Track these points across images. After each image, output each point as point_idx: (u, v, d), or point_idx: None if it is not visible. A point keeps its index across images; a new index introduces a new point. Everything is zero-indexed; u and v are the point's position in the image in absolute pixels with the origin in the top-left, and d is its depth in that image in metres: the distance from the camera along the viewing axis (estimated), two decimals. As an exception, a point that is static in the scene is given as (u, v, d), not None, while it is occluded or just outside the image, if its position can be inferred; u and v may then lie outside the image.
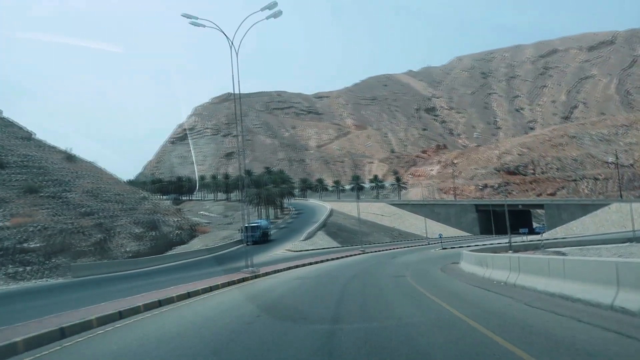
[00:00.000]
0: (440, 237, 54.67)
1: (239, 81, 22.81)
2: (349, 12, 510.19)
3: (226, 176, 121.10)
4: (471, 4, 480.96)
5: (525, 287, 13.66)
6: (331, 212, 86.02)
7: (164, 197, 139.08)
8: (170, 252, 48.89)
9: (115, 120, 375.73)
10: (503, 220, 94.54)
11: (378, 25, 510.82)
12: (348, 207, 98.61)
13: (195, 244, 56.13)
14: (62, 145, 75.88)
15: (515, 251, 35.55)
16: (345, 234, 69.32)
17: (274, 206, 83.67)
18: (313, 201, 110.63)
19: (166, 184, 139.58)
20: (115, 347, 8.10)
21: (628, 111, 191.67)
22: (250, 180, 74.57)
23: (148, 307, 12.37)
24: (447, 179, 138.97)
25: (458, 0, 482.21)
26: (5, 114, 66.69)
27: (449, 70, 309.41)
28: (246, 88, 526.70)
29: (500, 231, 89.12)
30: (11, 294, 23.76)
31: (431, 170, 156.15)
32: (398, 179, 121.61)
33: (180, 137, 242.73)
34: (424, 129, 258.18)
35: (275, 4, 22.75)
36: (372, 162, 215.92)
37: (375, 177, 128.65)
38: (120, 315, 11.03)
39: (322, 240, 57.68)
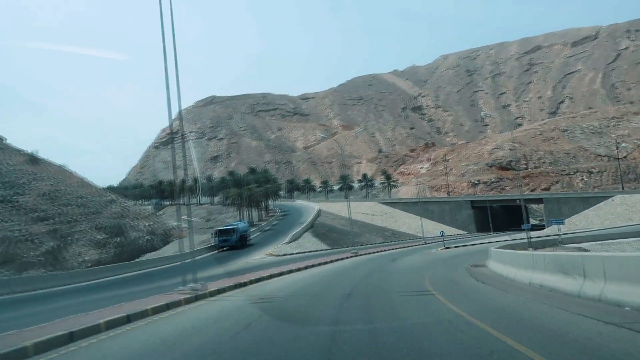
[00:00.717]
0: (443, 235, 48.97)
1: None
2: (334, 14, 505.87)
3: (209, 178, 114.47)
4: (454, 3, 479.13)
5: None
6: (319, 213, 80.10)
7: (146, 202, 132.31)
8: (138, 260, 42.46)
9: (117, 126, 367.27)
10: (500, 216, 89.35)
11: (363, 26, 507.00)
12: (337, 207, 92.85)
13: (168, 250, 49.80)
14: (63, 152, 69.14)
15: (535, 249, 29.89)
16: (334, 235, 63.41)
17: (257, 207, 77.52)
18: (300, 202, 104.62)
19: (147, 189, 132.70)
20: None
21: (615, 105, 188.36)
22: (232, 181, 68.28)
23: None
24: (438, 176, 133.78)
25: None
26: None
27: (434, 69, 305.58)
28: (231, 90, 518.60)
29: (498, 228, 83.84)
30: None
31: (421, 168, 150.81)
32: (388, 177, 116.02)
33: (164, 142, 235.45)
34: (412, 128, 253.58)
35: None
36: (360, 163, 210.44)
37: (365, 175, 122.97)
38: None
39: (310, 243, 51.69)
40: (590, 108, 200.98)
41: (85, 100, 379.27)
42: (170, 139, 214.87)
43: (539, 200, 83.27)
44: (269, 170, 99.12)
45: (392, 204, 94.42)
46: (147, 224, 55.79)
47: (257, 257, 36.25)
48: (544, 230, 73.94)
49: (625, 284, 8.72)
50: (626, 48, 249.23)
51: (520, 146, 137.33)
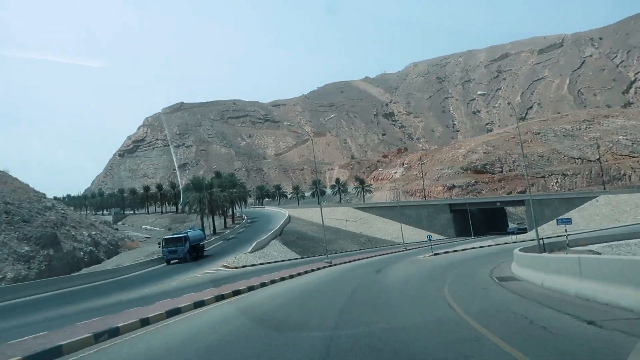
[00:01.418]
0: (430, 240, 42.98)
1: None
2: (307, 23, 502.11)
3: (173, 185, 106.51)
4: (424, 12, 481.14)
5: None
6: (289, 219, 73.51)
7: (106, 211, 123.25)
8: (66, 276, 34.99)
9: (82, 134, 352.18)
10: (478, 220, 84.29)
11: (333, 34, 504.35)
12: (308, 213, 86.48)
13: (112, 263, 42.39)
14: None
15: (551, 251, 24.10)
16: (305, 242, 56.90)
17: (222, 214, 70.42)
18: (270, 208, 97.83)
19: (107, 198, 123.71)
20: None
21: (582, 110, 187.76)
22: (192, 184, 61.08)
23: None
24: (412, 180, 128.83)
25: (410, 7, 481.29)
26: None
27: (405, 76, 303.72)
28: (200, 97, 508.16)
29: (478, 232, 78.74)
30: None
31: (395, 172, 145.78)
32: (362, 182, 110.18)
33: (129, 150, 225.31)
34: (384, 134, 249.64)
35: None
36: (332, 169, 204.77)
37: (337, 180, 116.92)
38: None
39: (277, 251, 45.11)
40: (558, 113, 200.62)
41: (48, 107, 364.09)
42: (135, 147, 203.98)
43: (519, 203, 78.53)
44: (236, 175, 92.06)
45: (367, 208, 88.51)
46: (90, 233, 48.16)
47: (209, 270, 29.47)
48: (527, 233, 68.99)
49: None
50: (591, 55, 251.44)
51: (494, 149, 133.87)
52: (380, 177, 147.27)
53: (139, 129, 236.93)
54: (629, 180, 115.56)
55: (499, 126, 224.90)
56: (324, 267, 28.82)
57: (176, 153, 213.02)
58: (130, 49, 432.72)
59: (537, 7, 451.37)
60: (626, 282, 8.05)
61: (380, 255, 43.46)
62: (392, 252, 47.35)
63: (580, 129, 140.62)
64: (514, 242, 51.44)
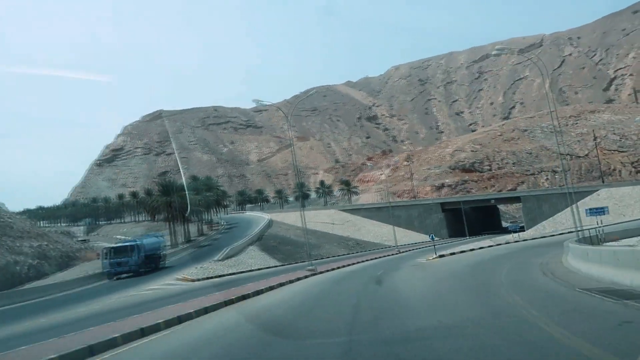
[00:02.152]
0: (433, 239, 37.15)
1: None
2: (284, 26, 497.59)
3: (149, 192, 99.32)
4: (403, 15, 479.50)
5: None
6: (270, 223, 67.38)
7: (80, 222, 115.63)
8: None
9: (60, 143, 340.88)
10: (472, 219, 78.97)
11: (314, 40, 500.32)
12: (292, 218, 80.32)
13: (62, 277, 35.79)
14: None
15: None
16: (288, 247, 50.76)
17: (197, 220, 64.03)
18: (251, 213, 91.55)
19: (80, 208, 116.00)
20: None
21: (568, 106, 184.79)
22: (160, 186, 54.58)
23: None
24: (399, 181, 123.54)
25: (389, 11, 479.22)
26: None
27: (387, 79, 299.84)
28: (180, 104, 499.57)
29: (472, 232, 73.40)
30: None
31: (381, 174, 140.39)
32: (347, 184, 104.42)
33: (108, 159, 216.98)
34: (367, 137, 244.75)
35: None
36: (316, 173, 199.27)
37: (322, 183, 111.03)
38: None
39: (254, 259, 39.04)
40: (541, 110, 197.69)
41: (21, 116, 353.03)
42: (114, 156, 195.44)
43: (515, 199, 73.31)
44: (217, 180, 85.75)
45: (354, 210, 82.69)
46: (41, 244, 41.42)
47: (158, 285, 23.35)
48: (528, 231, 63.77)
49: None
50: (570, 54, 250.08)
51: (481, 147, 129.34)
52: (366, 180, 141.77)
53: (117, 137, 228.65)
54: (620, 175, 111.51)
55: (483, 126, 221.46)
56: (306, 277, 22.84)
57: (154, 161, 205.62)
58: (108, 58, 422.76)
59: (515, 8, 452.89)
60: None
61: (372, 259, 37.60)
62: (385, 256, 41.52)
63: (567, 125, 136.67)
64: (515, 242, 45.95)
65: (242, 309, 12.70)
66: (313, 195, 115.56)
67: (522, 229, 62.95)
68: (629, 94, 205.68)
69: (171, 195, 50.63)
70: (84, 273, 32.74)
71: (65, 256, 42.54)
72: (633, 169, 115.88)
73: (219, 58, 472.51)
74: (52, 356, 7.50)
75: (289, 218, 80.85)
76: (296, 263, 40.32)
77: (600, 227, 29.12)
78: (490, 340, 6.78)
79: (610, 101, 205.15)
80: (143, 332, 9.66)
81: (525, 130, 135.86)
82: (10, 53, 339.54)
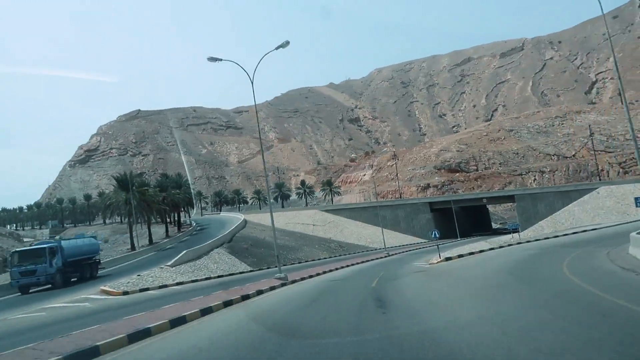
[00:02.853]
0: (436, 238, 31.15)
1: None
2: (266, 29, 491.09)
3: (101, 193, 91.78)
4: (385, 18, 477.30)
5: None
6: (245, 224, 60.91)
7: (43, 225, 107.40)
8: None
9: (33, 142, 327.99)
10: (461, 220, 73.53)
11: (296, 42, 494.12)
12: (269, 219, 73.91)
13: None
14: None
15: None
16: (261, 250, 44.37)
17: (162, 220, 57.22)
18: (227, 214, 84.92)
19: (44, 210, 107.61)
20: None
21: (554, 107, 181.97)
22: (116, 182, 47.79)
23: None
24: (383, 182, 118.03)
25: (372, 15, 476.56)
26: None
27: (370, 82, 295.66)
28: (158, 104, 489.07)
29: (463, 233, 67.89)
30: None
31: (364, 175, 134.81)
32: (330, 184, 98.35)
33: (81, 160, 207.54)
34: (350, 139, 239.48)
35: None
36: (298, 175, 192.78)
37: (303, 182, 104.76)
38: None
39: (219, 263, 32.68)
40: (526, 112, 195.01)
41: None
42: (87, 156, 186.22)
43: (509, 198, 67.96)
44: (182, 175, 78.97)
45: (336, 211, 76.55)
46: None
47: (67, 301, 16.88)
48: (524, 232, 58.31)
49: None
50: (551, 58, 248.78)
51: (467, 147, 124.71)
52: (348, 180, 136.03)
53: (92, 137, 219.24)
54: (607, 176, 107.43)
55: (465, 129, 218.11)
56: (272, 289, 16.61)
57: (130, 162, 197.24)
58: (86, 56, 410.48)
59: (496, 12, 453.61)
60: None
61: (358, 263, 31.51)
62: (373, 259, 35.46)
63: (553, 125, 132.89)
64: (518, 243, 40.03)
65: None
66: (294, 196, 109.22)
67: (497, 232, 57.56)
68: (611, 97, 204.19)
69: (129, 192, 43.83)
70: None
71: (3, 261, 35.63)
72: (621, 170, 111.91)
73: (199, 58, 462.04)
74: None
75: (267, 219, 74.41)
76: (268, 268, 34.01)
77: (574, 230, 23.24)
78: None
79: (592, 104, 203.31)
80: None
81: (511, 131, 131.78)
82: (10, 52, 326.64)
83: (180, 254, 29.22)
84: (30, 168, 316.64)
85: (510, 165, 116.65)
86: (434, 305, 9.97)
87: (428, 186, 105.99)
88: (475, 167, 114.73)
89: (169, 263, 27.03)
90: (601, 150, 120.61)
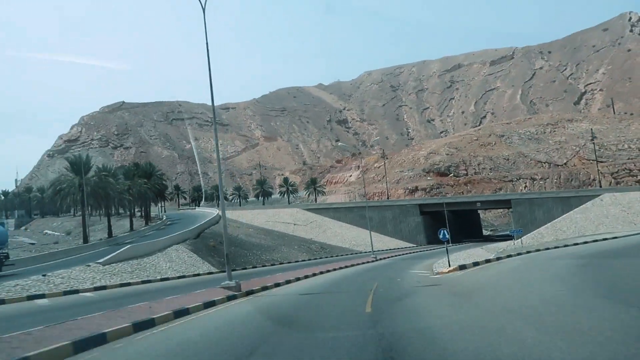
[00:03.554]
0: (446, 240, 25.61)
1: None
2: (256, 26, 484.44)
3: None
4: (376, 21, 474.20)
5: None
6: (218, 220, 54.97)
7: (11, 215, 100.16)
8: None
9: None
10: (453, 224, 68.55)
11: (286, 41, 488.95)
12: (249, 216, 68.37)
13: None
14: None
15: None
16: (232, 249, 38.56)
17: (127, 213, 51.20)
18: (203, 209, 79.02)
19: (11, 199, 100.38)
20: None
21: (545, 114, 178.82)
22: (71, 168, 41.80)
23: None
24: (370, 184, 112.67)
25: (363, 17, 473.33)
26: None
27: (359, 84, 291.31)
28: (143, 97, 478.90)
29: (455, 239, 62.84)
30: None
31: (350, 176, 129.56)
32: (314, 182, 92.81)
33: (60, 150, 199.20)
34: (337, 140, 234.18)
35: None
36: (282, 174, 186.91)
37: (286, 180, 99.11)
38: None
39: (173, 262, 26.99)
40: (509, 122, 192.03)
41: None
42: (67, 147, 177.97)
43: (504, 202, 63.02)
44: (154, 164, 72.96)
45: (320, 210, 71.01)
46: None
47: None
48: (521, 239, 53.38)
49: None
50: (541, 68, 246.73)
51: (457, 151, 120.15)
52: (334, 181, 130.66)
53: (72, 128, 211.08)
54: (600, 185, 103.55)
55: (454, 134, 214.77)
56: (213, 304, 10.96)
57: (111, 154, 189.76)
58: (70, 43, 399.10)
59: (488, 20, 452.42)
60: None
61: (342, 268, 25.94)
62: (358, 264, 30.00)
63: (545, 133, 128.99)
64: (528, 252, 34.74)
65: None
66: (277, 195, 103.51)
67: (489, 239, 52.56)
68: (599, 108, 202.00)
69: (82, 176, 37.80)
70: None
71: None
72: (613, 180, 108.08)
73: (187, 53, 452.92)
74: None
75: (246, 215, 68.85)
76: (235, 269, 28.30)
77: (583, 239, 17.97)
78: None
79: (582, 114, 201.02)
80: None
81: (502, 136, 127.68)
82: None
83: (119, 251, 23.45)
84: (6, 157, 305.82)
85: (500, 171, 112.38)
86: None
87: (416, 189, 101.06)
88: (465, 172, 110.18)
89: (101, 260, 21.32)
90: (593, 160, 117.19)
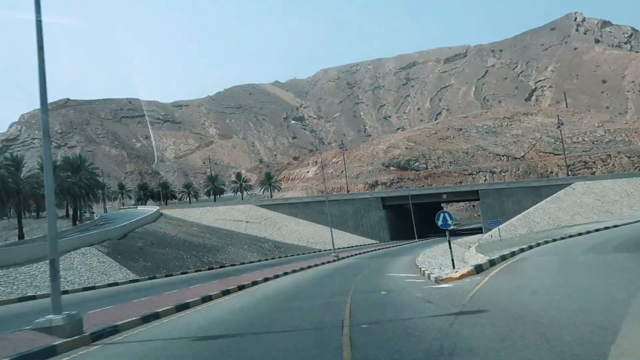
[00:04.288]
0: (447, 226, 18.85)
1: None
2: (209, 22, 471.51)
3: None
4: (332, 19, 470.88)
5: None
6: (156, 218, 47.83)
7: None
8: None
9: None
10: (416, 219, 63.78)
11: (242, 38, 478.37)
12: (197, 214, 61.12)
13: None
14: None
15: None
16: (165, 251, 31.75)
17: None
18: (144, 208, 70.97)
19: None
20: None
21: (501, 107, 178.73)
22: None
23: None
24: (329, 179, 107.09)
25: (319, 15, 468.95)
26: None
27: (315, 82, 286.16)
28: (90, 94, 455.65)
29: (420, 234, 57.89)
30: None
31: (307, 172, 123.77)
32: (269, 177, 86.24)
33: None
34: (294, 138, 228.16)
35: None
36: (238, 173, 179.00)
37: (239, 175, 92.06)
38: None
39: (73, 270, 20.18)
40: (466, 116, 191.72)
41: None
42: (5, 147, 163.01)
43: (471, 194, 58.51)
44: (86, 157, 64.69)
45: (275, 206, 64.50)
46: None
47: None
48: (492, 232, 48.89)
49: None
50: (493, 65, 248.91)
51: (416, 145, 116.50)
52: (291, 177, 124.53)
53: (11, 126, 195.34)
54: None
55: (412, 129, 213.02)
56: None
57: (54, 153, 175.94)
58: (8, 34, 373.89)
59: (441, 19, 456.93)
60: None
61: (296, 270, 19.72)
62: (316, 265, 23.90)
63: (502, 126, 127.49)
64: (546, 243, 29.39)
65: None
66: (229, 192, 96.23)
67: (455, 234, 48.07)
68: (549, 105, 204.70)
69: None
70: None
71: None
72: (570, 173, 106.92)
73: (139, 48, 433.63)
74: None
75: (194, 214, 61.49)
76: (154, 279, 21.70)
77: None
78: None
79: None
80: None
81: (460, 130, 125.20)
82: None
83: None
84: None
85: (460, 164, 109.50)
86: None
87: (376, 183, 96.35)
88: (425, 166, 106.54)
89: None
90: (549, 152, 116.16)
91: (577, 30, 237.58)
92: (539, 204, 50.33)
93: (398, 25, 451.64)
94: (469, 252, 21.08)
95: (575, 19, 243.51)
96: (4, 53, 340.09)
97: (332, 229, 53.80)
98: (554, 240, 23.46)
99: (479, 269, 12.08)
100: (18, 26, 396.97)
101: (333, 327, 7.26)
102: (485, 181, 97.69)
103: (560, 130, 75.73)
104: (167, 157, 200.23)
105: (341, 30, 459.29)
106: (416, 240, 52.27)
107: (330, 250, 38.04)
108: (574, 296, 8.00)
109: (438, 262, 16.88)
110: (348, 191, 79.38)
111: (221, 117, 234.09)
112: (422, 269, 14.77)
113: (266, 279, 16.79)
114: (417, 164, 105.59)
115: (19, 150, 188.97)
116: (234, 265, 31.69)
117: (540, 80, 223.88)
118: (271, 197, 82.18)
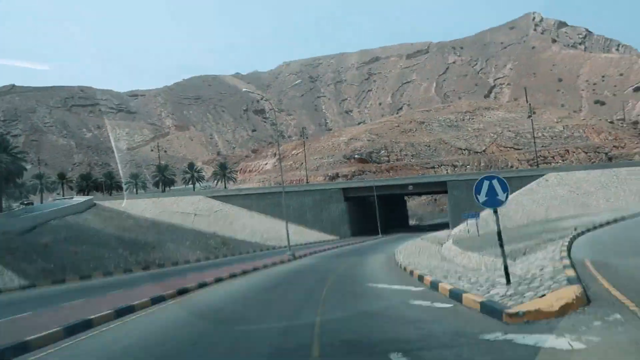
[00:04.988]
0: (497, 202, 11.95)
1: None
2: (168, 9, 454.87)
3: None
4: (293, 12, 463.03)
5: None
6: (85, 208, 41.22)
7: None
8: None
9: None
10: (381, 213, 59.33)
11: (201, 28, 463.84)
12: (142, 206, 54.52)
13: None
14: None
15: None
16: (80, 249, 25.60)
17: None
18: (79, 198, 63.48)
19: None
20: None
21: (464, 101, 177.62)
22: None
23: None
24: (287, 171, 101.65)
25: (281, 9, 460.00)
26: None
27: (277, 74, 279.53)
28: (38, 80, 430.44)
29: (383, 229, 53.32)
30: None
31: (265, 164, 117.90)
32: (224, 167, 79.97)
33: None
34: (254, 130, 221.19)
35: None
36: (190, 163, 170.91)
37: (191, 165, 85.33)
38: None
39: None
40: (429, 110, 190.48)
41: None
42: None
43: (438, 185, 54.42)
44: (8, 139, 56.99)
45: (227, 197, 58.52)
46: None
47: None
48: (460, 227, 45.15)
49: None
50: (454, 62, 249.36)
51: (378, 137, 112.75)
52: (248, 169, 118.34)
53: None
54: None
55: (374, 122, 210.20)
56: None
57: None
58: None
59: (404, 15, 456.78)
60: None
61: (237, 275, 14.40)
62: (264, 266, 18.62)
63: (463, 120, 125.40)
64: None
65: None
66: (180, 184, 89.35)
67: (440, 226, 44.01)
68: (508, 101, 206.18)
69: None
70: None
71: None
72: (529, 167, 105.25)
73: (91, 32, 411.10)
74: None
75: (137, 206, 54.76)
76: (65, 283, 15.87)
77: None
78: None
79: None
80: None
81: (423, 123, 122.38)
82: None
83: None
84: None
85: (422, 157, 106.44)
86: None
87: (337, 176, 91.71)
88: (387, 158, 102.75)
89: None
90: (510, 147, 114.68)
91: (535, 29, 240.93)
92: (511, 196, 46.45)
93: (361, 20, 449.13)
94: (453, 250, 16.28)
95: (534, 18, 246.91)
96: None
97: (289, 223, 48.28)
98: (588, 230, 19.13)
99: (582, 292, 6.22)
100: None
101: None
102: (447, 174, 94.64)
103: (532, 120, 73.25)
104: (119, 147, 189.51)
105: (305, 24, 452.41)
106: (380, 236, 47.72)
107: (285, 247, 32.91)
108: None
109: (433, 264, 11.97)
110: (307, 182, 74.23)
111: (179, 108, 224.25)
112: (436, 279, 9.68)
113: (188, 291, 11.19)
114: (379, 154, 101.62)
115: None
116: (163, 267, 25.90)
117: (499, 78, 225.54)
118: (225, 189, 76.08)
